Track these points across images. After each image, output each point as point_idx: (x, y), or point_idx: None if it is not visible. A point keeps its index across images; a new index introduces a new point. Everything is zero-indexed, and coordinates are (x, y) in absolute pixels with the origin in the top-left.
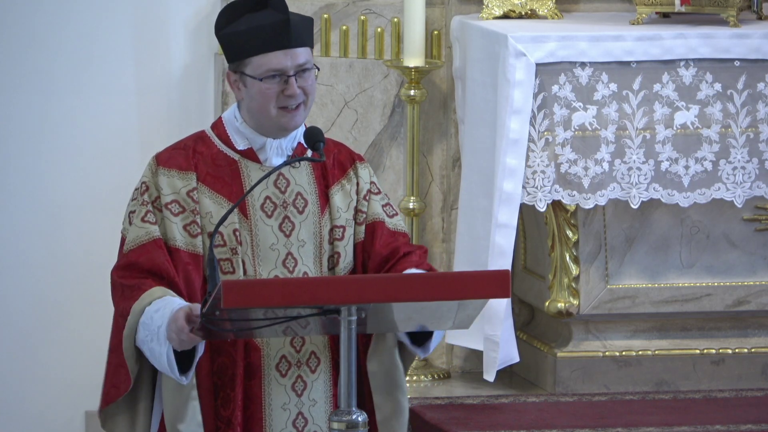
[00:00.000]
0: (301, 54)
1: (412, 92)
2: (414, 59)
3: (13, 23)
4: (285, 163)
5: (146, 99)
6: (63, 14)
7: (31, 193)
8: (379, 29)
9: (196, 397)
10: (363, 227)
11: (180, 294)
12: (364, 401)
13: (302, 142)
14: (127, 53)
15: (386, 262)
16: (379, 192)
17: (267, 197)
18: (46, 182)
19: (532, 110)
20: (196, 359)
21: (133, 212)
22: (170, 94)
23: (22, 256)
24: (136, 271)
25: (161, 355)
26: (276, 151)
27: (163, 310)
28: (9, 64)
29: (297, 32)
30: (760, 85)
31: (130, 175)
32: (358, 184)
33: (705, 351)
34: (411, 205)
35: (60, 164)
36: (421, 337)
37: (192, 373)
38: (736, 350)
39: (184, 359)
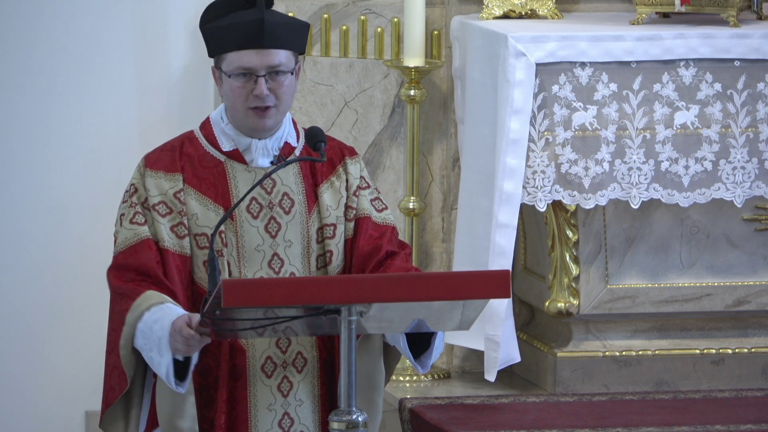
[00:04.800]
0: (276, 56)
1: (412, 92)
2: (414, 59)
3: (13, 23)
4: (285, 164)
5: (146, 99)
6: (64, 15)
7: (32, 193)
8: (379, 29)
9: (192, 391)
10: (352, 224)
11: (170, 292)
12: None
13: (289, 142)
14: (127, 53)
15: (369, 259)
16: (368, 186)
17: (253, 198)
18: (47, 182)
19: (532, 110)
20: (191, 368)
21: (123, 215)
22: (170, 94)
23: (23, 255)
24: (126, 273)
25: (160, 365)
26: (262, 152)
27: (162, 321)
28: (10, 64)
29: (273, 33)
30: (760, 85)
31: (129, 175)
32: (347, 180)
33: (705, 351)
34: (411, 205)
35: (61, 164)
36: (419, 350)
37: (188, 382)
38: (736, 350)
39: (179, 368)
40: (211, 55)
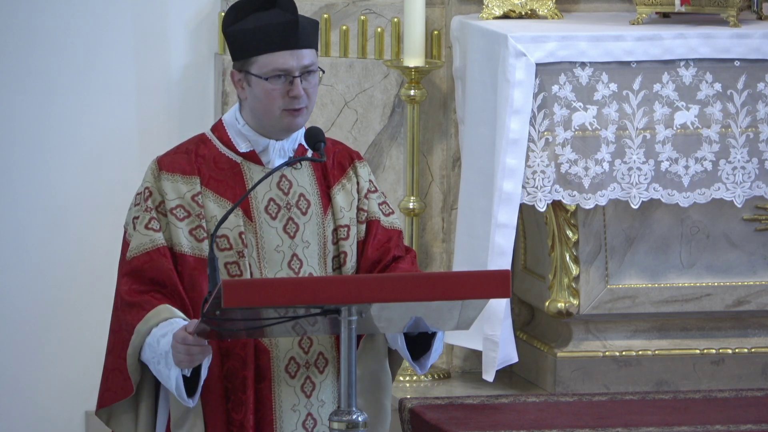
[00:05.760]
0: (307, 55)
1: (412, 92)
2: (414, 59)
3: (13, 23)
4: (285, 164)
5: (146, 99)
6: (64, 14)
7: (32, 193)
8: (379, 29)
9: (199, 413)
10: (364, 226)
11: (183, 303)
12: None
13: (303, 143)
14: (127, 53)
15: (377, 264)
16: (376, 190)
17: (271, 199)
18: (47, 182)
19: (532, 110)
20: (201, 382)
21: (136, 218)
22: (170, 94)
23: (23, 255)
24: (139, 282)
25: (170, 378)
26: (279, 153)
27: (168, 335)
28: (10, 64)
29: (304, 33)
30: (760, 85)
31: (130, 175)
32: (358, 183)
33: (705, 351)
34: (411, 205)
35: (61, 164)
36: (419, 352)
37: (198, 395)
38: (736, 350)
39: (190, 381)
40: (236, 58)
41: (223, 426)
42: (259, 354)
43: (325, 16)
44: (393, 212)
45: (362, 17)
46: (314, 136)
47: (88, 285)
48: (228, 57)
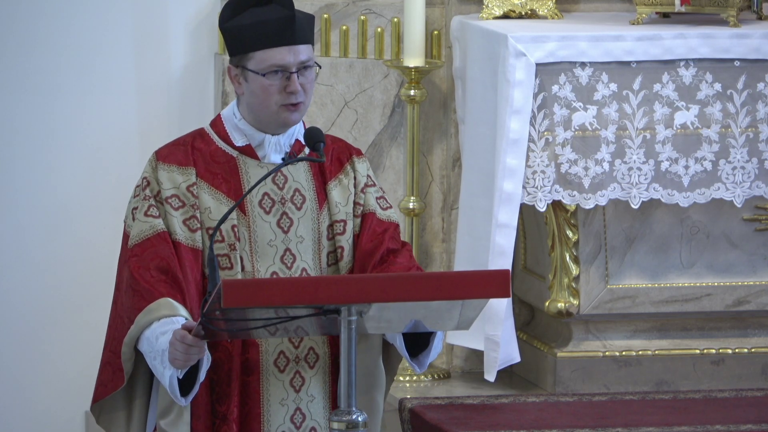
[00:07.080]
0: (304, 51)
1: (412, 92)
2: (414, 59)
3: (13, 23)
4: (285, 163)
5: (146, 99)
6: (64, 14)
7: (32, 193)
8: (379, 29)
9: (188, 408)
10: (359, 219)
11: (182, 291)
12: None
13: (300, 139)
14: (127, 53)
15: (371, 255)
16: (374, 184)
17: (265, 193)
18: (47, 181)
19: (532, 110)
20: (198, 383)
21: (135, 208)
22: (170, 94)
23: (23, 255)
24: (144, 268)
25: (164, 376)
26: (274, 147)
27: (169, 333)
28: (10, 64)
29: (301, 29)
30: (760, 85)
31: (130, 175)
32: (355, 177)
33: (705, 351)
34: (411, 205)
35: (61, 163)
36: (417, 350)
37: (192, 395)
38: (736, 350)
39: (185, 380)
40: (233, 54)
41: (206, 416)
42: (249, 347)
43: (325, 16)
44: (390, 207)
45: (362, 17)
46: (314, 137)
47: (88, 285)
48: (228, 57)
